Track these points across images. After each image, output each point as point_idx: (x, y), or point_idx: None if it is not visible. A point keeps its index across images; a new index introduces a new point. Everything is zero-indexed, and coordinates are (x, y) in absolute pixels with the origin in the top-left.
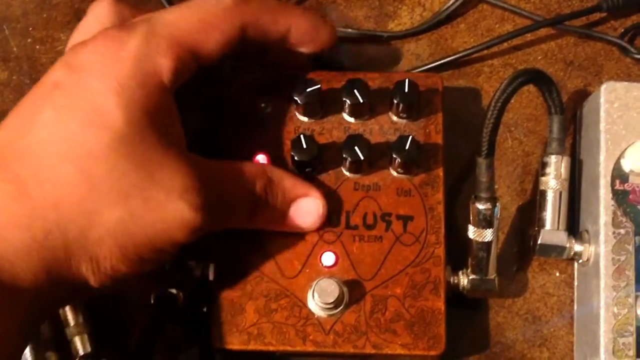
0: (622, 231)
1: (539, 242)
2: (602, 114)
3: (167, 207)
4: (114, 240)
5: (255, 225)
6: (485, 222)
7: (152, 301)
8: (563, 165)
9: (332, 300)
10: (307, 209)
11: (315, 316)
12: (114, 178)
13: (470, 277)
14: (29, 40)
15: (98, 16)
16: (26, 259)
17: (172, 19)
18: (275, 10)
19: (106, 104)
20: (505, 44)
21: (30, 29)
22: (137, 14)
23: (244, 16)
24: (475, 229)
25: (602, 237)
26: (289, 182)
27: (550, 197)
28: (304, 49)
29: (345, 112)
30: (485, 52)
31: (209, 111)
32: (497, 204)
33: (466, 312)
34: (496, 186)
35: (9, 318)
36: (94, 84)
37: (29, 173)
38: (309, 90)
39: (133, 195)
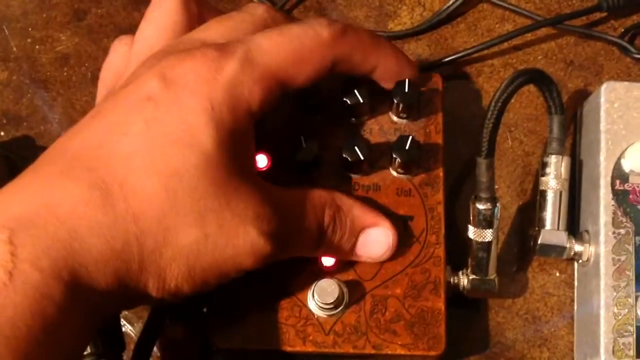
0: (622, 231)
1: (539, 242)
2: (602, 113)
3: (239, 234)
4: (185, 260)
5: (322, 254)
6: (485, 222)
7: None
8: (563, 165)
9: (332, 301)
10: (377, 239)
11: (315, 316)
12: (195, 199)
13: (470, 278)
14: (28, 40)
15: (168, 11)
16: (102, 268)
17: (269, 48)
18: (369, 46)
19: (197, 123)
20: (506, 44)
21: (30, 28)
22: (204, 8)
23: (338, 52)
24: (475, 229)
25: (602, 237)
26: (358, 211)
27: (550, 197)
28: (384, 85)
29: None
30: (485, 52)
31: None
32: (497, 204)
33: (466, 312)
34: (496, 186)
35: (79, 319)
36: (187, 101)
37: (116, 182)
38: (309, 90)
39: (210, 218)
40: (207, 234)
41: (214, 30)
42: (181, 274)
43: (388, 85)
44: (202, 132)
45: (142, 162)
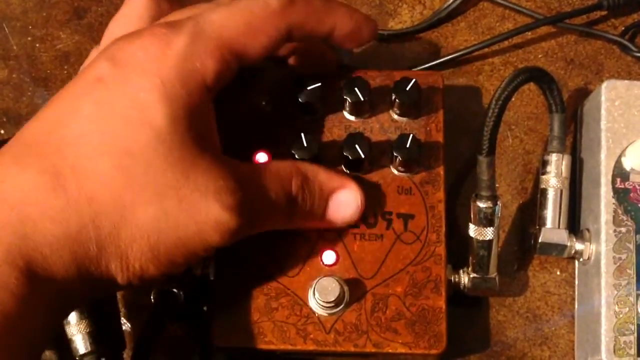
0: (623, 229)
1: (539, 240)
2: (603, 112)
3: (201, 208)
4: (146, 239)
5: (295, 225)
6: (486, 220)
7: (152, 300)
8: (564, 163)
9: (332, 299)
10: (346, 201)
11: (316, 315)
12: (150, 176)
13: (471, 276)
14: (28, 38)
15: (136, 8)
16: (58, 252)
17: (219, 20)
18: (321, 10)
19: (148, 100)
20: (506, 42)
21: (30, 27)
22: (175, 6)
23: (290, 19)
24: (476, 227)
25: (603, 236)
26: (323, 176)
27: (551, 195)
28: (345, 46)
29: (345, 110)
30: (485, 50)
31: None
32: (498, 203)
33: (467, 310)
34: (497, 184)
35: (38, 308)
36: (137, 79)
37: (66, 165)
38: (309, 88)
39: (168, 194)
40: (166, 210)
41: (171, 16)
42: (144, 253)
43: (350, 45)
44: (153, 108)
45: (93, 144)
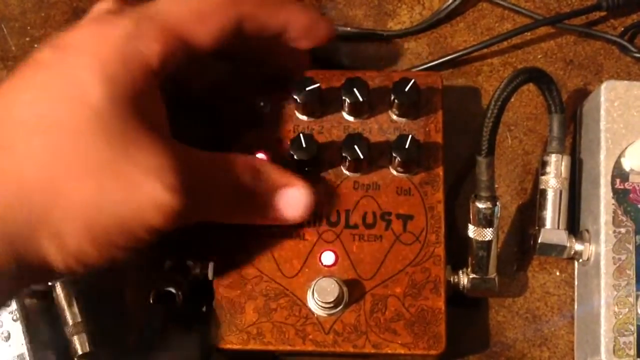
0: (623, 230)
1: (539, 241)
2: (602, 112)
3: (140, 186)
4: (81, 217)
5: (240, 218)
6: (486, 221)
7: (151, 300)
8: (563, 164)
9: (331, 300)
10: (293, 199)
11: (315, 315)
12: (84, 152)
13: (471, 277)
14: (27, 39)
15: (99, 11)
16: None
17: (166, 5)
18: (273, 3)
19: (86, 79)
20: (505, 43)
21: (29, 27)
22: None
23: (241, 8)
24: (476, 228)
25: (602, 236)
26: (275, 173)
27: (550, 196)
28: (301, 45)
29: (344, 111)
30: (485, 51)
31: (208, 110)
32: (497, 203)
33: (466, 311)
34: (496, 185)
35: None
36: (75, 60)
37: (3, 148)
38: (308, 89)
39: (104, 171)
40: (102, 187)
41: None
42: (80, 233)
43: (304, 44)
44: (91, 86)
45: (29, 125)
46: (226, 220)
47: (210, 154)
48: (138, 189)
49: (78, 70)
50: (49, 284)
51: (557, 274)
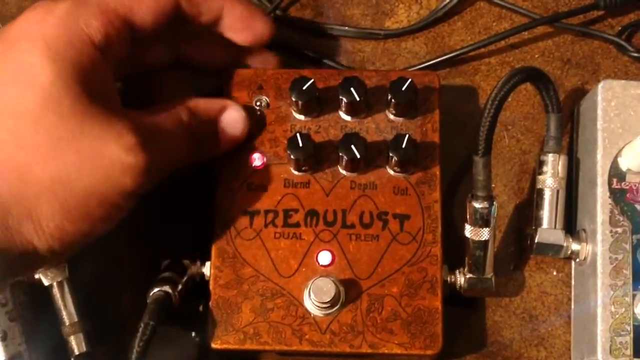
0: (620, 230)
1: (536, 240)
2: (599, 112)
3: (103, 155)
4: (53, 195)
5: (200, 156)
6: (482, 220)
7: (147, 300)
8: (560, 163)
9: (328, 300)
10: (233, 118)
11: (312, 315)
12: (42, 133)
13: (467, 276)
14: None
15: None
16: None
17: None
18: None
19: (33, 61)
20: (503, 42)
21: None
22: None
23: None
24: (472, 227)
25: (599, 236)
26: (204, 102)
27: (547, 195)
28: (237, 38)
29: (341, 110)
30: (482, 50)
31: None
32: (494, 203)
33: (463, 311)
34: (493, 185)
35: None
36: (21, 45)
37: None
38: (305, 87)
39: (64, 148)
40: (66, 164)
41: None
42: (55, 210)
43: (241, 37)
44: (38, 67)
45: None
46: (188, 165)
47: (152, 111)
48: (100, 158)
49: (25, 54)
50: (46, 284)
51: (554, 273)
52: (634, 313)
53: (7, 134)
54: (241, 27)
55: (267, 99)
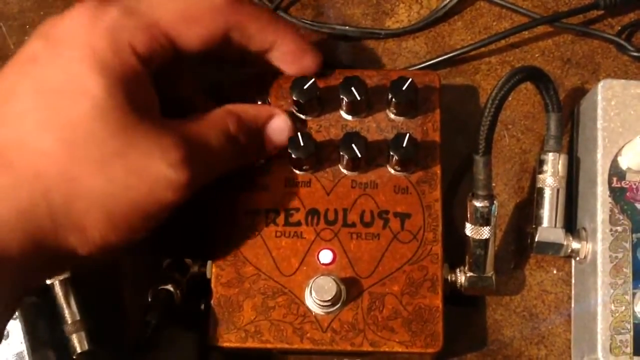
0: (620, 228)
1: (536, 239)
2: (600, 111)
3: (149, 170)
4: (100, 207)
5: (242, 164)
6: (483, 219)
7: (149, 299)
8: (560, 162)
9: (329, 298)
10: (280, 126)
11: (313, 314)
12: (94, 145)
13: (468, 275)
14: (26, 37)
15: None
16: (11, 229)
17: (158, 4)
18: (265, 21)
19: (82, 71)
20: (503, 42)
21: (28, 26)
22: None
23: (231, 18)
24: (473, 226)
25: (599, 235)
26: (252, 110)
27: (547, 194)
28: (285, 69)
29: (342, 109)
30: (482, 49)
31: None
32: (495, 202)
33: (464, 309)
34: (493, 184)
35: None
36: (69, 52)
37: (10, 144)
38: (305, 87)
39: (113, 162)
40: (115, 177)
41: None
42: (101, 222)
43: (288, 69)
44: (88, 78)
45: (34, 120)
46: (233, 169)
47: (196, 121)
48: (148, 173)
49: (73, 63)
50: (48, 282)
51: (554, 272)
52: (634, 311)
53: (61, 144)
54: (290, 61)
55: (268, 98)
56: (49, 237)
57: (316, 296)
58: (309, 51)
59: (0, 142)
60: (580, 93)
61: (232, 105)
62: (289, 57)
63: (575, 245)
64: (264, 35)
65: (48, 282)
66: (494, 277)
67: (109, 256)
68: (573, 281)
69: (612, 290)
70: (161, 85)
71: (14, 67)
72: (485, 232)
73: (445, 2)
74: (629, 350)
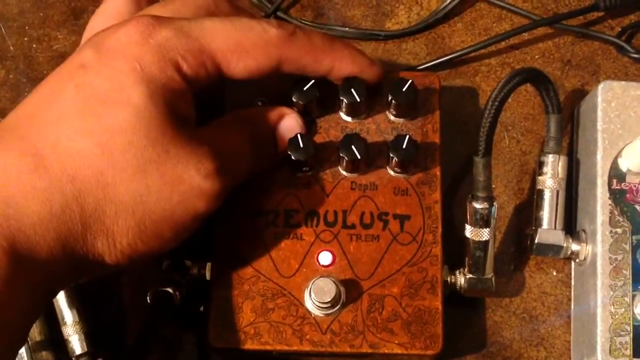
0: (619, 230)
1: (536, 241)
2: (599, 113)
3: (183, 179)
4: (131, 215)
5: (261, 165)
6: (482, 221)
7: (148, 300)
8: (560, 164)
9: (329, 300)
10: (291, 125)
11: (312, 315)
12: (131, 153)
13: (468, 277)
14: (25, 38)
15: (116, 4)
16: (42, 232)
17: (210, 28)
18: (321, 50)
19: (126, 81)
20: (503, 43)
21: (27, 27)
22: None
23: (284, 53)
24: (472, 228)
25: (599, 237)
26: (264, 113)
27: (547, 196)
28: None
29: (342, 111)
30: (482, 51)
31: (207, 110)
32: (494, 203)
33: (463, 311)
34: (493, 185)
35: (23, 289)
36: (117, 63)
37: (48, 146)
38: (305, 89)
39: (149, 170)
40: (149, 185)
41: (154, 9)
42: (130, 229)
43: None
44: (131, 88)
45: (73, 124)
46: (251, 175)
47: (221, 129)
48: (182, 183)
49: (118, 72)
50: None
51: (554, 274)
52: (633, 313)
53: (99, 150)
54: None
55: (268, 99)
56: (79, 241)
57: (316, 298)
58: (369, 68)
59: (39, 144)
60: (580, 94)
61: (244, 111)
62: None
63: (575, 247)
64: (319, 66)
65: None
66: (493, 279)
67: (136, 266)
68: (573, 283)
69: (611, 292)
70: (198, 95)
71: (62, 72)
72: (484, 234)
73: (445, 4)
74: (629, 352)
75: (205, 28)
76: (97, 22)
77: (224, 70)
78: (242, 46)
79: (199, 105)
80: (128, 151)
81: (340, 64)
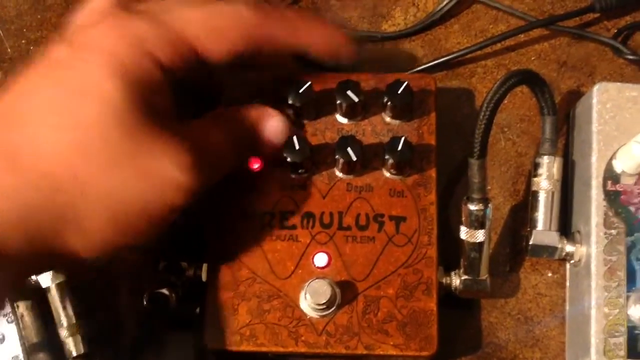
0: (614, 232)
1: (531, 242)
2: (595, 114)
3: (158, 173)
4: (105, 209)
5: (238, 164)
6: (478, 222)
7: (145, 302)
8: (555, 166)
9: (324, 301)
10: (276, 126)
11: (308, 317)
12: (106, 147)
13: (463, 278)
14: (23, 41)
15: (100, 1)
16: (12, 229)
17: (185, 15)
18: (297, 27)
19: (101, 75)
20: (499, 45)
21: (25, 30)
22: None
23: (260, 32)
24: (468, 229)
25: (593, 238)
26: (248, 111)
27: (542, 197)
28: (318, 61)
29: (338, 113)
30: (478, 52)
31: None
32: (490, 205)
33: (458, 312)
34: (489, 187)
35: None
36: (91, 57)
37: (23, 143)
38: (301, 91)
39: (124, 164)
40: (124, 179)
41: (134, 4)
42: (104, 223)
43: (324, 61)
44: (106, 82)
45: (49, 121)
46: (231, 171)
47: (201, 124)
48: (157, 176)
49: (93, 67)
50: (44, 286)
51: (549, 275)
52: (627, 314)
53: (73, 145)
54: (324, 57)
55: (264, 101)
56: (50, 237)
57: (311, 299)
58: (343, 43)
59: (13, 142)
60: (575, 96)
61: (229, 108)
62: (324, 54)
63: (569, 248)
64: (297, 40)
65: (44, 285)
66: (488, 280)
67: (111, 257)
68: (567, 284)
69: (606, 293)
70: (185, 87)
71: (36, 69)
72: (480, 235)
73: (441, 5)
74: (623, 353)
75: (178, 16)
76: (79, 19)
77: (202, 55)
78: (216, 30)
79: (186, 99)
80: (102, 146)
81: (318, 40)
